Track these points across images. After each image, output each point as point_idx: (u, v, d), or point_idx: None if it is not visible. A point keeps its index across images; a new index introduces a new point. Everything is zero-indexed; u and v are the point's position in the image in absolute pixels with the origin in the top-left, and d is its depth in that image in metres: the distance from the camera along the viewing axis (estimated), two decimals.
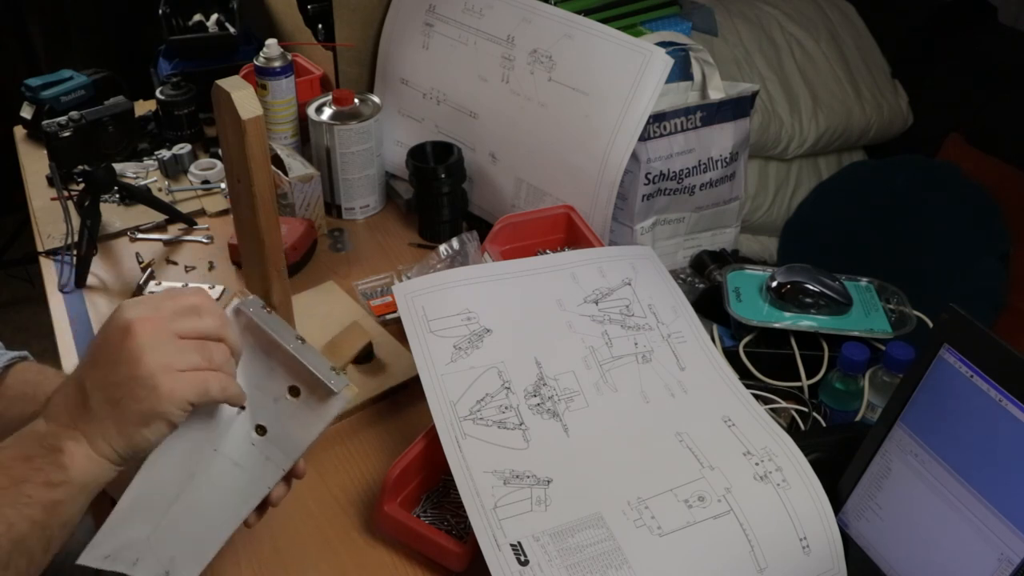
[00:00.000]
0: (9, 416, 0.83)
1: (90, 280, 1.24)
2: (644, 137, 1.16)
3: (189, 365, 0.66)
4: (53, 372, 0.89)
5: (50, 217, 1.35)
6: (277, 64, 1.37)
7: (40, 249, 1.30)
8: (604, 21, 1.25)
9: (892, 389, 0.86)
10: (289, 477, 0.76)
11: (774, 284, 1.07)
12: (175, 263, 1.27)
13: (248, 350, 0.75)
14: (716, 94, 1.26)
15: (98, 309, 1.19)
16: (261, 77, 1.37)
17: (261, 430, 0.75)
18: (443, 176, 1.28)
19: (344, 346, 1.04)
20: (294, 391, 0.74)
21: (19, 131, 1.59)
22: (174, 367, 0.65)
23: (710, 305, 1.11)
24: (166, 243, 1.31)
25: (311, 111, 1.34)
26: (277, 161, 1.30)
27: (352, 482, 0.95)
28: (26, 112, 1.55)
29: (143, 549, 0.72)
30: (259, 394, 0.75)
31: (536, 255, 1.15)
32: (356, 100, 1.35)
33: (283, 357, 0.74)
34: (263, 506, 0.77)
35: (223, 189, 1.40)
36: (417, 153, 1.31)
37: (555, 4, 1.29)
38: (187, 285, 1.22)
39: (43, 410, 0.66)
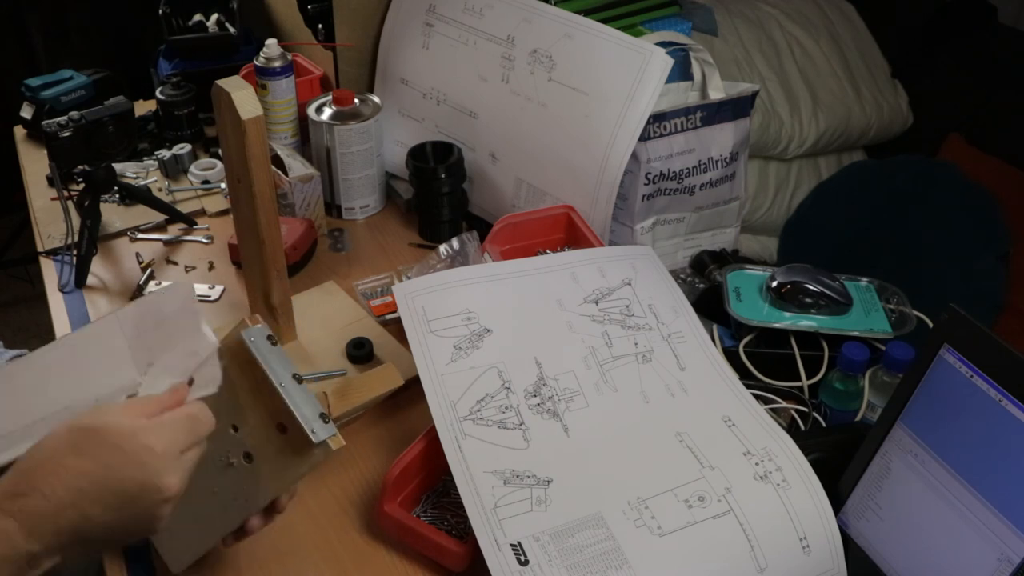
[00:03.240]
0: None
1: (90, 280, 1.24)
2: (644, 137, 1.16)
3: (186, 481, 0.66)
4: None
5: (50, 217, 1.35)
6: (277, 64, 1.37)
7: (40, 249, 1.30)
8: (604, 21, 1.25)
9: (892, 389, 0.86)
10: (271, 510, 0.76)
11: (774, 284, 1.07)
12: (175, 263, 1.28)
13: (249, 378, 0.72)
14: (716, 94, 1.26)
15: (98, 309, 1.19)
16: (261, 77, 1.37)
17: (248, 457, 0.73)
18: (443, 176, 1.28)
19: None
20: (281, 428, 0.72)
21: (19, 131, 1.59)
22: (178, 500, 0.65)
23: (710, 305, 1.11)
24: (166, 243, 1.31)
25: (311, 111, 1.35)
26: (277, 161, 1.30)
27: (352, 482, 0.95)
28: (26, 112, 1.55)
29: None
30: (247, 427, 0.73)
31: (536, 255, 1.15)
32: (356, 100, 1.35)
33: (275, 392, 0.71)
34: (240, 531, 0.77)
35: (223, 189, 1.40)
36: (417, 153, 1.31)
37: (555, 4, 1.29)
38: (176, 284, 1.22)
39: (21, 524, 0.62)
